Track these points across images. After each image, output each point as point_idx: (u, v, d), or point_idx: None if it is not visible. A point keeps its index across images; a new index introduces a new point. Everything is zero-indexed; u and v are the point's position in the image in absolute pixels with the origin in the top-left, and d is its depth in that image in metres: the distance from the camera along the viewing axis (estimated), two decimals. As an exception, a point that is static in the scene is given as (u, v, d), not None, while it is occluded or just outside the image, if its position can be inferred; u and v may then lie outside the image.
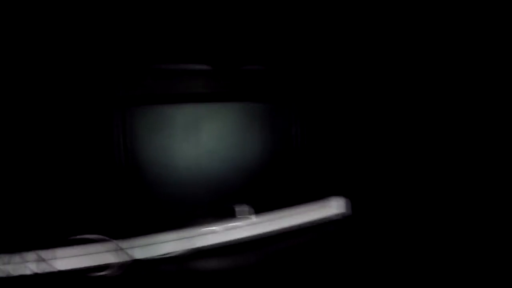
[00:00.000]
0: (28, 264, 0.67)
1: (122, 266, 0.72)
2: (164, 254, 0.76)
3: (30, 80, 0.78)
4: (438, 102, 0.97)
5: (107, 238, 0.73)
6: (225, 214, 0.90)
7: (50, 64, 0.78)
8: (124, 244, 0.73)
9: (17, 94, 0.77)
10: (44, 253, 0.68)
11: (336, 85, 1.08)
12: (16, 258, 0.66)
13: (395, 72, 1.03)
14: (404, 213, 0.95)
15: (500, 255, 0.69)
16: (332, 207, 0.98)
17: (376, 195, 1.02)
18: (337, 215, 0.99)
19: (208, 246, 0.80)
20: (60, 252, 0.69)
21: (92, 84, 0.82)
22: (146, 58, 0.87)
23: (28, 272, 0.67)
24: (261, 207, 0.89)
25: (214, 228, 0.82)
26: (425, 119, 1.00)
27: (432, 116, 0.98)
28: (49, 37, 0.76)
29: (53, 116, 0.80)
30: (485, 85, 0.87)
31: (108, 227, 0.73)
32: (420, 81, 0.99)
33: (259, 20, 0.90)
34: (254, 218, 0.86)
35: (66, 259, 0.69)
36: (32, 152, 0.78)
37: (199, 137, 0.94)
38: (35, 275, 0.67)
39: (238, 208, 0.87)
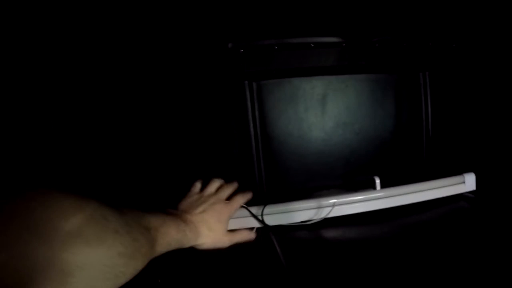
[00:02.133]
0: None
1: (253, 231, 0.75)
2: (297, 222, 0.79)
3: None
4: None
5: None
6: (357, 185, 0.89)
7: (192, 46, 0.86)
8: (257, 210, 0.77)
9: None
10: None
11: (468, 56, 0.96)
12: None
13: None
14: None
15: None
16: (464, 183, 0.88)
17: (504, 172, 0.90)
18: (469, 191, 0.89)
19: (339, 216, 0.80)
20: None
21: (226, 61, 0.87)
22: (276, 32, 0.88)
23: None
24: (392, 180, 0.86)
25: (346, 198, 0.81)
26: None
27: None
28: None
29: (195, 91, 0.90)
30: None
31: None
32: None
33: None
34: (386, 191, 0.83)
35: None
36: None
37: (330, 109, 0.94)
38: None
39: (369, 180, 0.85)
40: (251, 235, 0.69)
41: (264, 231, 0.78)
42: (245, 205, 0.77)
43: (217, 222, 0.59)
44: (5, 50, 0.70)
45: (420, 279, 0.57)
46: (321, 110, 0.94)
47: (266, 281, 0.60)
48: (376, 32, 0.90)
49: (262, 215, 0.77)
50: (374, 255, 0.66)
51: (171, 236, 0.48)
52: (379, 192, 0.83)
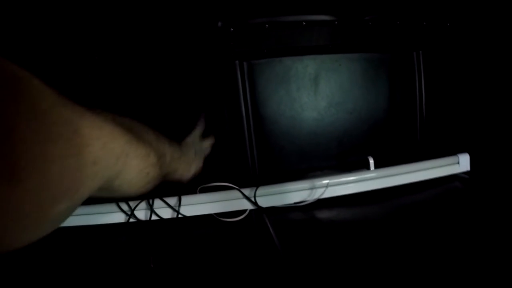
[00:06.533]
0: (157, 209, 0.73)
1: (247, 213, 0.76)
2: (290, 204, 0.78)
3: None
4: None
5: (233, 186, 0.77)
6: (351, 165, 0.88)
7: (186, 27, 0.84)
8: (250, 192, 0.77)
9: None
10: (171, 200, 0.74)
11: (462, 36, 0.95)
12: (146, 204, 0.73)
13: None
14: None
15: None
16: (458, 164, 0.88)
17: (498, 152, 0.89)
18: (463, 172, 0.89)
19: (333, 197, 0.79)
20: (185, 199, 0.75)
21: (216, 40, 0.84)
22: (267, 10, 0.86)
23: (155, 218, 0.73)
24: (385, 160, 0.85)
25: (339, 179, 0.80)
26: None
27: None
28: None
29: (185, 71, 0.87)
30: None
31: (235, 177, 0.78)
32: None
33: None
34: (380, 171, 0.82)
35: (192, 205, 0.75)
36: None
37: (322, 88, 0.92)
38: (164, 220, 0.74)
39: (363, 160, 0.84)
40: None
41: (257, 212, 0.77)
42: (237, 187, 0.76)
43: (194, 170, 0.68)
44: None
45: (414, 259, 0.56)
46: (314, 90, 0.92)
47: (260, 263, 0.59)
48: (369, 10, 0.88)
49: (255, 196, 0.76)
50: (368, 236, 0.66)
51: (177, 171, 0.59)
52: (373, 173, 0.82)
